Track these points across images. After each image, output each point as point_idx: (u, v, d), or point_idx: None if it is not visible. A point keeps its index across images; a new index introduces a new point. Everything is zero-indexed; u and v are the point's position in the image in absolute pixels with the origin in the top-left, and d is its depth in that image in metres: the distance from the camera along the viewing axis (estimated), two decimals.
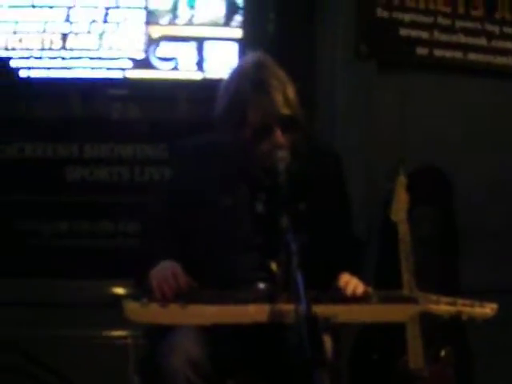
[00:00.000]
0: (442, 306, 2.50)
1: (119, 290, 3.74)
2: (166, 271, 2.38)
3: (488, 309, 2.54)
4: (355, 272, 2.51)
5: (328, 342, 2.25)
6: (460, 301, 2.53)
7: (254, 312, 2.31)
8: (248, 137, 2.52)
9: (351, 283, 2.45)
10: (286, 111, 2.51)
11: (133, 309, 2.35)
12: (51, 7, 4.12)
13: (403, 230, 3.55)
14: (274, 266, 2.39)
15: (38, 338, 3.92)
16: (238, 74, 2.62)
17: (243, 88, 2.54)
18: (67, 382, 3.93)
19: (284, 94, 2.52)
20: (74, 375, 3.91)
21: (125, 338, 3.91)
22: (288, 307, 2.21)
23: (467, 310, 2.51)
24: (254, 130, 2.51)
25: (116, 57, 4.14)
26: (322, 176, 2.63)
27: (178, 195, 2.61)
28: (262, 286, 2.43)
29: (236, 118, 2.52)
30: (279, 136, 2.50)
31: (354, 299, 2.41)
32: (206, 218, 2.54)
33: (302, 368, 1.98)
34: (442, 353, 3.64)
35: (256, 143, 2.52)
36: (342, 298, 2.41)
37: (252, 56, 2.64)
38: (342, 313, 2.34)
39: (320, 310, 2.21)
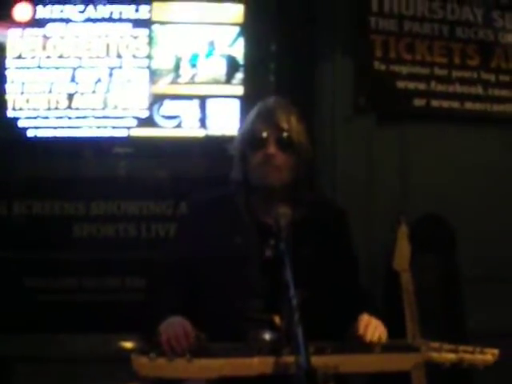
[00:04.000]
0: (444, 354, 2.50)
1: (128, 345, 3.75)
2: (176, 328, 2.40)
3: (489, 355, 2.54)
4: (373, 312, 2.53)
5: None
6: (462, 348, 2.53)
7: (259, 364, 2.33)
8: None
9: (371, 326, 2.46)
10: (284, 126, 2.59)
11: (141, 363, 2.37)
12: (57, 68, 4.20)
13: (406, 279, 3.57)
14: (277, 319, 2.42)
15: None
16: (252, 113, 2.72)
17: (251, 118, 2.66)
18: None
19: (287, 120, 2.60)
20: None
21: None
22: (292, 359, 2.23)
23: (468, 356, 2.51)
24: (249, 139, 2.61)
25: (121, 116, 4.21)
26: (326, 226, 2.67)
27: (192, 239, 2.65)
28: (267, 336, 2.45)
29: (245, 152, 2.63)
30: (272, 148, 2.57)
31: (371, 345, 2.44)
32: (216, 258, 2.57)
33: None
34: None
35: (250, 154, 2.61)
36: (361, 345, 2.43)
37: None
38: (344, 363, 2.36)
39: (322, 361, 2.26)
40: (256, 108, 2.70)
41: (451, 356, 2.51)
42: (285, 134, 2.59)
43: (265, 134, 2.59)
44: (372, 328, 2.46)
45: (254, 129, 2.63)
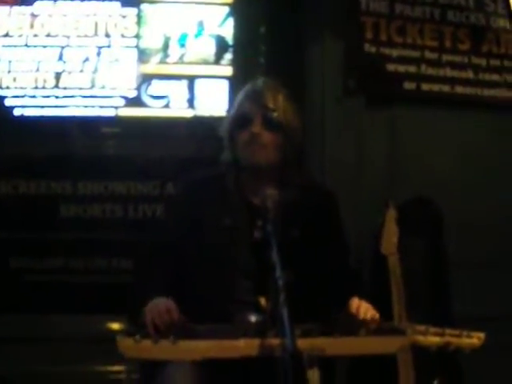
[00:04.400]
0: (430, 337, 2.51)
1: (114, 326, 3.76)
2: (159, 306, 2.41)
3: (475, 338, 2.56)
4: (362, 296, 2.54)
5: (316, 375, 2.28)
6: (448, 331, 2.54)
7: (244, 346, 2.33)
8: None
9: (362, 307, 2.48)
10: (270, 105, 2.58)
11: (126, 344, 2.38)
12: (44, 47, 4.18)
13: (393, 262, 3.57)
14: (262, 301, 2.42)
15: (33, 373, 3.93)
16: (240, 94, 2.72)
17: (239, 99, 2.67)
18: None
19: (274, 99, 2.60)
20: None
21: (119, 372, 3.93)
22: (277, 341, 2.22)
23: (454, 340, 2.53)
24: (236, 119, 2.61)
25: (108, 95, 4.19)
26: (315, 209, 2.67)
27: (181, 219, 2.67)
28: (253, 318, 2.46)
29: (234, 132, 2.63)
30: (257, 127, 2.58)
31: (367, 323, 2.45)
32: (206, 239, 2.59)
33: None
34: (435, 383, 3.64)
35: (237, 134, 2.61)
36: (355, 324, 2.44)
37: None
38: (330, 346, 2.36)
39: (307, 343, 2.25)
40: (244, 89, 2.71)
41: (437, 339, 2.52)
42: (271, 113, 2.59)
43: (251, 113, 2.60)
44: (363, 309, 2.47)
45: (241, 109, 2.65)
